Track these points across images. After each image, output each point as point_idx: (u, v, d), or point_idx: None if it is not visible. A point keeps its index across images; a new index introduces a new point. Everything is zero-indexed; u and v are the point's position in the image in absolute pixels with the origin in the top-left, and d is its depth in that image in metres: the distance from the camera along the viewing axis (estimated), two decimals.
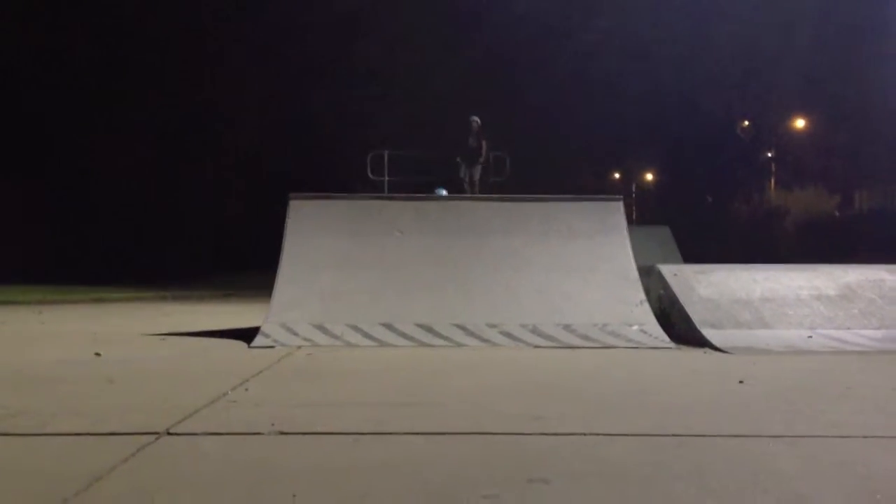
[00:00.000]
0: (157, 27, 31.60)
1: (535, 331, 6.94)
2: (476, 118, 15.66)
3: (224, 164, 36.68)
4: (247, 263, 29.27)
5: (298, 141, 37.72)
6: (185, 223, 32.51)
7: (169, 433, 3.24)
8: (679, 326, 7.15)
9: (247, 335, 7.06)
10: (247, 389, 4.34)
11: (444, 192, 14.53)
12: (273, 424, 3.37)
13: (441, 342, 6.76)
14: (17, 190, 27.06)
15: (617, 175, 57.42)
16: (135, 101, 30.79)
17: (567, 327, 6.98)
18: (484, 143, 15.57)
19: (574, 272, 7.55)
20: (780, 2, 38.54)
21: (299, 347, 6.45)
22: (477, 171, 15.72)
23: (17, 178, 27.23)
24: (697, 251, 21.21)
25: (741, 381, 4.70)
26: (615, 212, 8.09)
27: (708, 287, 7.49)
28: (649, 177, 56.89)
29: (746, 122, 46.76)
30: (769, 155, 46.49)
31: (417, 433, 3.27)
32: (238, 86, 35.43)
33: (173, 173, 32.62)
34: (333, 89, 38.12)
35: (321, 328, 6.90)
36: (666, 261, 13.95)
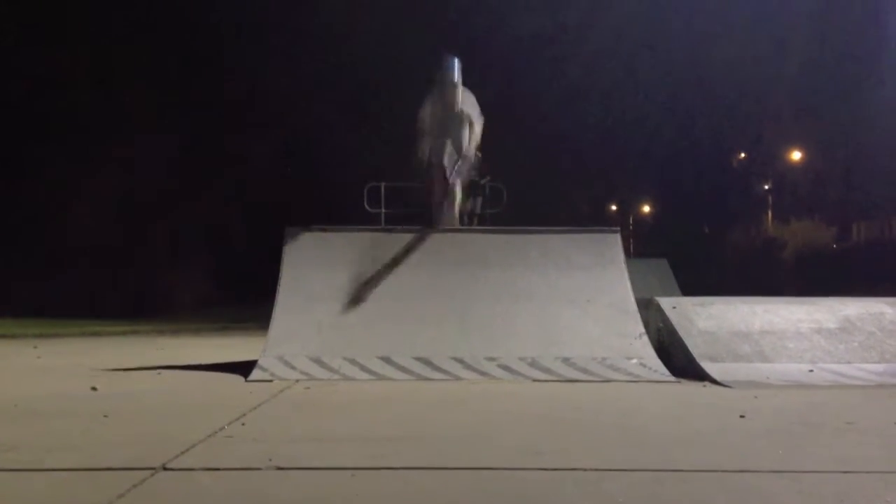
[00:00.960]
0: (154, 52, 31.80)
1: (533, 364, 6.91)
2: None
3: (222, 194, 36.74)
4: (244, 295, 29.22)
5: (296, 172, 37.82)
6: (180, 255, 32.49)
7: (165, 468, 3.20)
8: (678, 359, 7.12)
9: (244, 368, 7.02)
10: (244, 424, 4.31)
11: None
12: (270, 459, 3.33)
13: (439, 376, 6.71)
14: (8, 218, 27.09)
15: (614, 207, 57.57)
16: (131, 129, 30.90)
17: (566, 360, 6.95)
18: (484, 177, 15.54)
19: (572, 305, 7.53)
20: (773, 32, 38.92)
21: (297, 381, 6.41)
22: (478, 204, 15.71)
23: (8, 204, 27.25)
24: (695, 283, 21.22)
25: (742, 416, 4.67)
26: (613, 244, 8.09)
27: (707, 320, 7.47)
28: (646, 209, 57.05)
29: (742, 154, 47.01)
30: (766, 187, 46.68)
31: (415, 468, 3.24)
32: (238, 116, 35.59)
33: (169, 204, 32.65)
34: (332, 118, 38.28)
35: (318, 361, 6.86)
36: (664, 293, 13.94)
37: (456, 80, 8.46)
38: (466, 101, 8.58)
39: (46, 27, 29.78)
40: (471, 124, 8.56)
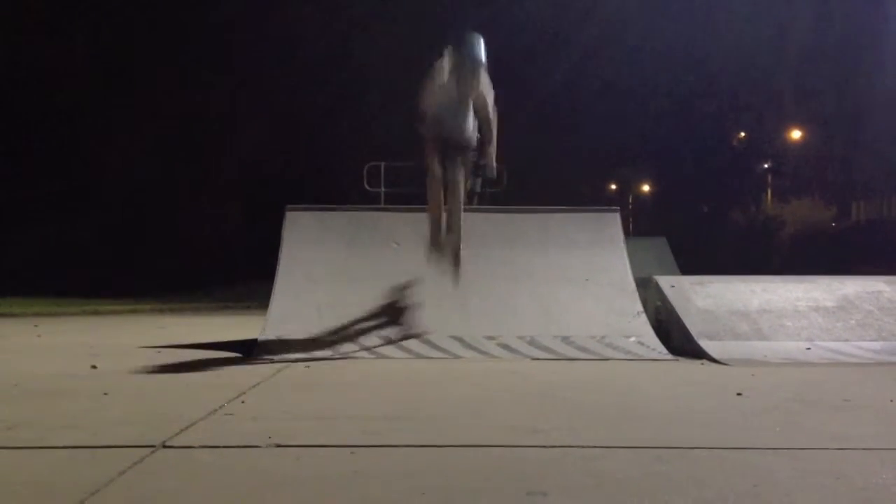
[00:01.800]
0: (155, 36, 31.68)
1: (533, 342, 6.93)
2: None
3: (221, 174, 36.68)
4: (243, 274, 29.23)
5: (296, 151, 37.74)
6: (181, 234, 32.47)
7: (165, 446, 3.22)
8: (676, 338, 7.15)
9: (244, 348, 7.04)
10: (243, 402, 4.32)
11: None
12: (270, 437, 3.35)
13: (439, 354, 6.74)
14: (10, 198, 27.07)
15: (613, 186, 57.51)
16: (132, 110, 30.83)
17: (565, 339, 6.97)
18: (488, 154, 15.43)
19: (572, 284, 7.55)
20: (774, 12, 38.73)
21: (296, 360, 6.43)
22: (477, 183, 15.67)
23: (11, 186, 27.23)
24: (694, 262, 21.23)
25: (739, 393, 4.69)
26: (612, 223, 8.10)
27: (705, 298, 7.49)
28: (646, 188, 56.99)
29: (742, 133, 46.90)
30: (766, 166, 46.62)
31: (415, 445, 3.26)
32: (236, 96, 35.48)
33: (169, 184, 32.61)
34: (331, 98, 38.17)
35: (318, 340, 6.88)
36: (663, 272, 13.95)
37: (482, 59, 7.23)
38: (485, 84, 7.37)
39: (50, 21, 29.68)
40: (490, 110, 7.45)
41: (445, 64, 7.21)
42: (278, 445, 3.23)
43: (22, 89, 28.38)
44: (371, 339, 6.93)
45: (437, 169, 7.13)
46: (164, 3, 32.67)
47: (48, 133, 28.77)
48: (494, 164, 7.68)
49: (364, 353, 6.72)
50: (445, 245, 7.07)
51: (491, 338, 7.00)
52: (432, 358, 6.64)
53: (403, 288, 7.48)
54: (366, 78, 38.52)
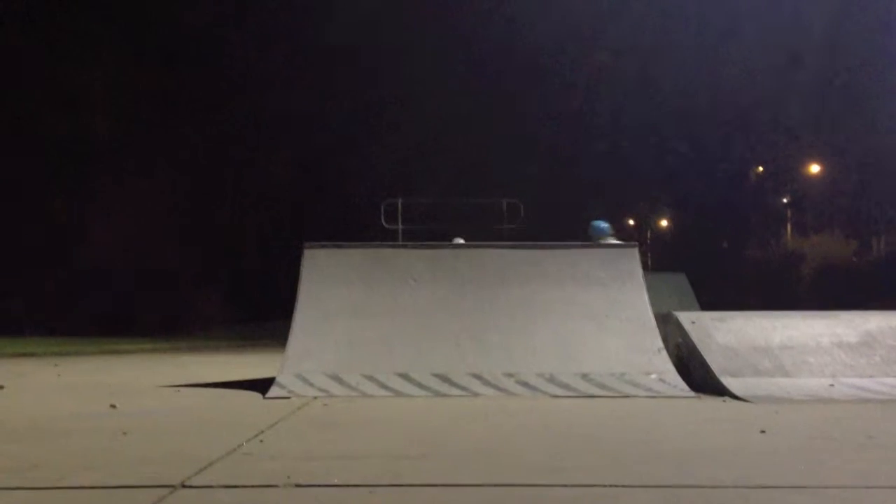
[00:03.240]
0: (172, 66, 32.09)
1: (552, 380, 6.88)
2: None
3: (240, 211, 36.95)
4: (262, 313, 29.32)
5: (314, 188, 37.99)
6: (199, 273, 32.65)
7: (184, 486, 3.21)
8: (698, 375, 7.08)
9: (262, 386, 7.03)
10: (262, 441, 4.31)
11: (462, 241, 14.22)
12: (289, 477, 3.33)
13: (457, 392, 6.70)
14: (29, 236, 27.34)
15: (631, 222, 57.43)
16: (146, 150, 31.17)
17: (585, 376, 6.92)
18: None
19: (591, 320, 7.50)
20: (786, 43, 38.81)
21: (315, 398, 6.42)
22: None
23: (28, 224, 27.51)
24: (714, 297, 21.12)
25: (763, 431, 4.63)
26: (631, 258, 8.06)
27: (727, 335, 7.42)
28: (664, 223, 56.87)
29: (760, 168, 46.83)
30: (785, 201, 46.46)
31: (434, 485, 3.23)
32: (254, 133, 35.83)
33: (186, 222, 32.85)
34: (348, 138, 38.49)
35: (336, 378, 6.87)
36: (683, 308, 13.85)
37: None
38: None
39: (67, 45, 30.16)
40: None
41: None
42: (297, 485, 3.21)
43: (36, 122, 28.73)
44: (389, 377, 6.91)
45: None
46: (173, 42, 33.11)
47: (60, 166, 29.07)
48: None
49: (382, 391, 6.69)
50: None
51: (510, 375, 6.96)
52: (451, 396, 6.61)
53: (421, 325, 7.46)
54: (381, 113, 38.84)
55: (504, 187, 15.84)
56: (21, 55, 29.07)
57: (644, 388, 6.74)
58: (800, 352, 7.19)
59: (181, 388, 7.50)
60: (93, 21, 30.86)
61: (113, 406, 5.97)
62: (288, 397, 6.45)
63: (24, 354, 14.90)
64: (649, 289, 7.87)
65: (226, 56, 34.86)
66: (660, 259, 51.02)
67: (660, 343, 7.29)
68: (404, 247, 8.54)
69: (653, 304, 7.71)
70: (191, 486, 3.21)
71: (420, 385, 6.80)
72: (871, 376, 6.86)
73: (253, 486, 3.21)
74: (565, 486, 3.20)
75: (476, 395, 6.63)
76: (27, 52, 29.41)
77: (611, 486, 3.19)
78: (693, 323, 7.56)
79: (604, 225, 11.97)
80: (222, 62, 34.65)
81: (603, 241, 11.27)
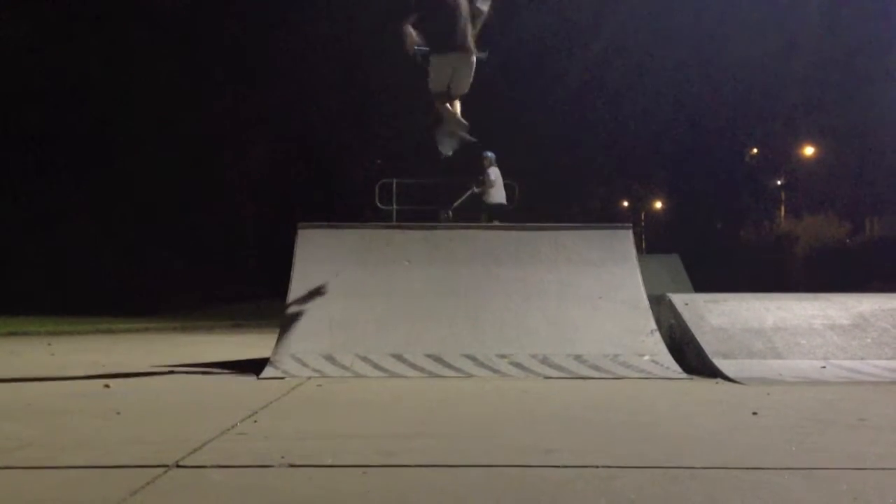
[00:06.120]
0: (164, 52, 31.92)
1: (545, 361, 6.90)
2: (488, 154, 15.36)
3: (234, 191, 36.85)
4: (256, 293, 29.30)
5: (308, 168, 37.89)
6: (194, 253, 32.60)
7: (178, 466, 3.22)
8: (690, 356, 7.10)
9: (256, 366, 7.04)
10: (256, 421, 4.32)
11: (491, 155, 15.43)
12: (283, 457, 3.34)
13: (451, 373, 6.72)
14: (24, 215, 27.26)
15: (626, 203, 57.45)
16: (143, 130, 31.05)
17: (578, 358, 6.94)
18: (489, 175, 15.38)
19: (584, 302, 7.52)
20: (783, 27, 38.73)
21: (309, 378, 6.42)
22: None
23: (23, 203, 27.42)
24: (707, 279, 21.15)
25: (755, 413, 4.65)
26: (625, 240, 8.07)
27: (719, 316, 7.44)
28: (658, 205, 56.91)
29: (754, 150, 46.83)
30: (779, 183, 46.50)
31: (427, 465, 3.24)
32: (249, 112, 35.68)
33: (182, 201, 32.78)
34: (343, 117, 38.35)
35: (330, 359, 6.88)
36: (676, 290, 13.90)
37: None
38: None
39: (56, 30, 29.98)
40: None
41: None
42: (291, 465, 3.22)
43: (39, 103, 28.63)
44: (383, 358, 6.92)
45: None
46: (169, 28, 32.95)
47: (59, 152, 28.98)
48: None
49: (376, 372, 6.70)
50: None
51: (503, 356, 6.97)
52: (445, 376, 6.62)
53: (415, 306, 7.46)
54: (374, 94, 38.65)
55: (500, 169, 15.78)
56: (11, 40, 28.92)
57: (637, 369, 6.77)
58: (792, 334, 7.22)
59: (175, 368, 7.50)
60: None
61: (106, 385, 5.97)
62: (282, 377, 6.46)
63: (18, 333, 14.88)
64: (643, 270, 7.88)
65: (225, 38, 34.72)
66: (654, 240, 51.14)
67: (653, 325, 7.32)
68: (399, 227, 8.53)
69: (646, 286, 7.73)
70: (184, 466, 3.21)
71: (413, 366, 6.81)
72: (862, 358, 6.89)
73: (247, 467, 3.22)
74: (558, 466, 3.21)
75: (469, 375, 6.65)
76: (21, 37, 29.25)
77: (603, 466, 3.20)
78: (686, 305, 7.58)
79: (490, 154, 15.37)
80: (221, 43, 34.52)
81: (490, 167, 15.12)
